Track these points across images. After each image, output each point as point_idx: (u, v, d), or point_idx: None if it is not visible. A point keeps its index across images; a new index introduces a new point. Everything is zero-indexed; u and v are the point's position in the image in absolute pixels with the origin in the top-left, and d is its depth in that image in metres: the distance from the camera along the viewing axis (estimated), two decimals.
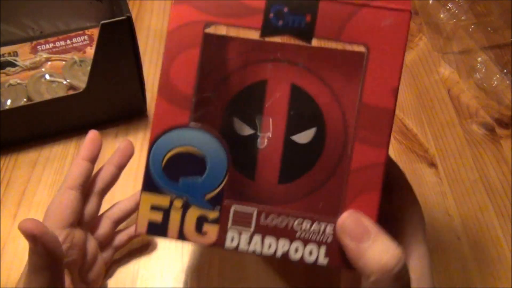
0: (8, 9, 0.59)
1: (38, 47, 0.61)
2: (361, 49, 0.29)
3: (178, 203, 0.29)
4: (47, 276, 0.31)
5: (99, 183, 0.40)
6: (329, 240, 0.28)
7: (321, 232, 0.29)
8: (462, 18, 0.68)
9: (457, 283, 0.45)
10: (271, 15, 0.29)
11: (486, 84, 0.61)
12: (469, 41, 0.66)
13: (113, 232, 0.42)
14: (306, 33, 0.29)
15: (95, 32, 0.63)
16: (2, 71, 0.57)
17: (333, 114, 0.30)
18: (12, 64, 0.58)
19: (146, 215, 0.29)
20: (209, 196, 0.29)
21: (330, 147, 0.30)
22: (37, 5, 0.60)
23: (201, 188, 0.29)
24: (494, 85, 0.61)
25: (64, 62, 0.59)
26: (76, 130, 0.54)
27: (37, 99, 0.54)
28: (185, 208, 0.29)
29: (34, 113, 0.50)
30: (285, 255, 0.29)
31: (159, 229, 0.29)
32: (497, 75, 0.61)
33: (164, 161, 0.29)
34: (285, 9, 0.29)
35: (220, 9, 0.29)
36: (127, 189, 0.50)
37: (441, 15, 0.69)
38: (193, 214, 0.29)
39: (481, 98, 0.61)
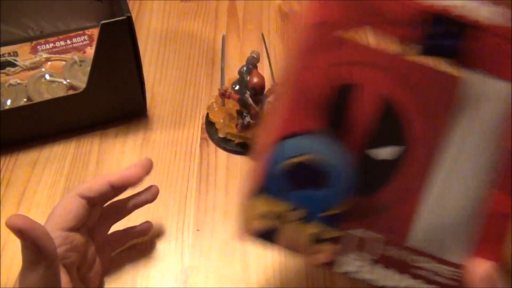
0: (8, 9, 0.59)
1: (38, 47, 0.61)
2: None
3: (294, 214, 0.26)
4: (40, 270, 0.31)
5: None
6: (442, 281, 0.27)
7: (435, 272, 0.27)
8: None
9: None
10: (429, 32, 0.25)
11: None
12: None
13: (109, 231, 0.42)
14: (460, 60, 0.26)
15: (95, 32, 0.63)
16: (2, 71, 0.57)
17: (420, 138, 0.27)
18: (12, 64, 0.58)
19: (255, 219, 0.26)
20: (328, 213, 0.26)
21: (409, 169, 0.27)
22: (37, 5, 0.60)
23: (321, 203, 0.26)
24: None
25: (64, 62, 0.59)
26: (76, 130, 0.54)
27: (37, 99, 0.54)
28: (301, 220, 0.26)
29: (34, 113, 0.50)
30: None
31: (268, 235, 0.26)
32: None
33: (286, 166, 0.26)
34: (443, 30, 0.25)
35: (371, 10, 0.26)
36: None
37: None
38: (308, 228, 0.26)
39: None
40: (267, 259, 0.45)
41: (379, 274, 0.27)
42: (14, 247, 0.45)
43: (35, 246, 0.30)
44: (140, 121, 0.56)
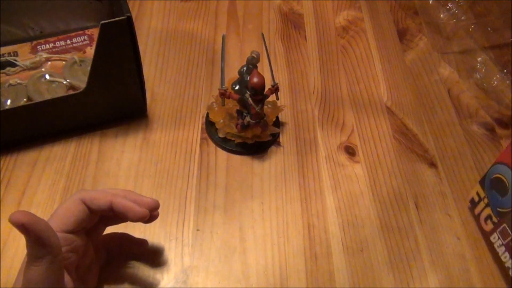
0: (8, 9, 0.59)
1: (38, 47, 0.61)
2: None
3: (485, 200, 0.47)
4: (45, 265, 0.31)
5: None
6: None
7: None
8: (462, 18, 0.68)
9: (457, 283, 0.45)
10: None
11: (486, 84, 0.61)
12: (469, 41, 0.66)
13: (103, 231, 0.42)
14: None
15: (95, 32, 0.63)
16: (2, 71, 0.57)
17: None
18: (12, 64, 0.58)
19: (475, 194, 0.49)
20: (499, 209, 0.44)
21: None
22: (37, 5, 0.60)
23: (498, 202, 0.45)
24: (494, 85, 0.61)
25: (64, 62, 0.59)
26: (76, 130, 0.54)
27: (37, 99, 0.54)
28: (486, 205, 0.46)
29: (34, 113, 0.50)
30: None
31: (475, 204, 0.48)
32: (497, 75, 0.61)
33: (492, 176, 0.45)
34: None
35: None
36: (127, 188, 0.50)
37: (441, 15, 0.69)
38: (487, 211, 0.46)
39: (481, 98, 0.61)
40: (267, 259, 0.45)
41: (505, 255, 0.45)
42: (14, 247, 0.45)
43: (39, 241, 0.31)
44: (140, 121, 0.56)
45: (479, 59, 0.64)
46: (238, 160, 0.53)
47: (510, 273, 0.44)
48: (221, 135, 0.54)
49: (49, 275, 0.32)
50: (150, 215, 0.39)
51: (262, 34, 0.56)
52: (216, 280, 0.44)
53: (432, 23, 0.69)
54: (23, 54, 0.60)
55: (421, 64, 0.65)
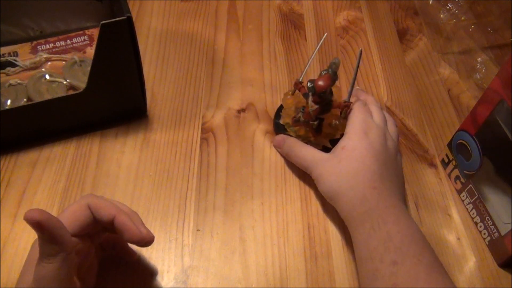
0: (8, 9, 0.59)
1: (38, 47, 0.61)
2: None
3: (454, 162, 0.52)
4: (58, 262, 0.32)
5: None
6: None
7: None
8: (462, 18, 0.68)
9: (457, 283, 0.45)
10: None
11: (486, 84, 0.61)
12: (469, 41, 0.66)
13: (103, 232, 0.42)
14: None
15: (95, 32, 0.63)
16: (2, 71, 0.57)
17: None
18: (12, 64, 0.58)
19: (444, 156, 0.54)
20: (465, 172, 0.49)
21: None
22: (37, 5, 0.60)
23: (464, 165, 0.50)
24: None
25: (64, 62, 0.59)
26: (76, 130, 0.54)
27: (37, 99, 0.54)
28: (455, 167, 0.51)
29: (34, 113, 0.50)
30: None
31: (445, 165, 0.53)
32: None
33: (457, 143, 0.50)
34: None
35: None
36: (127, 188, 0.50)
37: (441, 15, 0.69)
38: (455, 172, 0.51)
39: None
40: (267, 259, 0.45)
41: None
42: (14, 247, 0.45)
43: (52, 238, 0.31)
44: (140, 121, 0.56)
45: (479, 59, 0.64)
46: (238, 160, 0.53)
47: (478, 227, 0.49)
48: (281, 121, 0.55)
49: (61, 273, 0.32)
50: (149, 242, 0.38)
51: (360, 51, 0.51)
52: (216, 280, 0.44)
53: (432, 23, 0.69)
54: (23, 54, 0.60)
55: (421, 64, 0.65)
